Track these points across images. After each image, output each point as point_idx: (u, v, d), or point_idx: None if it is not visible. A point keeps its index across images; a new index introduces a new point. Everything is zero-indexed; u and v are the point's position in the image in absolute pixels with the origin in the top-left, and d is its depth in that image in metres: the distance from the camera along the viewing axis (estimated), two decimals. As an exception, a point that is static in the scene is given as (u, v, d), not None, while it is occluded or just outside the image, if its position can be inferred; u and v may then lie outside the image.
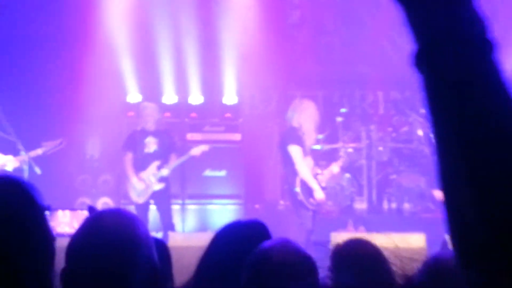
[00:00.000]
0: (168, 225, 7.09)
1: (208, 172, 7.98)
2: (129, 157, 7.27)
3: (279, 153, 6.94)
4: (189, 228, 7.89)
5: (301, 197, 6.56)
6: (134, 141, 7.28)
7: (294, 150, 6.51)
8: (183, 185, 7.95)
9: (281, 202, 8.14)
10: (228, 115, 8.55)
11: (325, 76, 9.76)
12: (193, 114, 8.55)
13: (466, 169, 0.75)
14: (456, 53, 0.77)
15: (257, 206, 7.60)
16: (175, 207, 7.86)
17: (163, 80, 8.75)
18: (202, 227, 7.83)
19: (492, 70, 0.77)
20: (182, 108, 8.64)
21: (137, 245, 1.58)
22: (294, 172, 6.56)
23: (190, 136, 8.21)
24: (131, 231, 1.59)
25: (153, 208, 7.32)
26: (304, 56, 9.64)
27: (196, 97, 8.75)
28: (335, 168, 6.98)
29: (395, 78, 9.33)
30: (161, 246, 2.63)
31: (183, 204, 7.99)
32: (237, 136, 8.24)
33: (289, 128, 6.73)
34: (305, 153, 6.64)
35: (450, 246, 2.91)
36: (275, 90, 9.34)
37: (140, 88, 8.65)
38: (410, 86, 8.94)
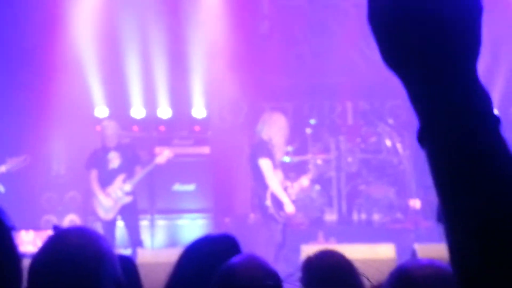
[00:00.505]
0: (136, 241, 7.01)
1: (177, 187, 7.91)
2: (94, 174, 7.22)
3: (248, 166, 6.95)
4: (159, 244, 7.80)
5: (271, 210, 6.58)
6: (97, 158, 7.24)
7: (264, 164, 6.55)
8: (151, 200, 7.87)
9: (251, 215, 8.11)
10: (197, 128, 8.51)
11: (295, 87, 9.78)
12: (162, 128, 8.49)
13: (477, 246, 0.72)
14: (463, 128, 0.74)
15: (227, 220, 7.55)
16: (144, 223, 7.77)
17: (131, 93, 8.67)
18: (172, 242, 7.75)
19: (500, 144, 0.74)
20: (150, 122, 8.57)
21: (101, 262, 1.57)
22: (264, 186, 6.59)
23: (159, 149, 8.12)
24: (94, 248, 1.58)
25: (120, 224, 7.23)
26: (273, 67, 9.65)
27: (164, 110, 8.69)
28: (304, 181, 7.01)
29: (364, 88, 9.41)
30: (128, 262, 2.58)
31: (152, 219, 7.90)
32: (206, 149, 8.20)
33: (258, 141, 6.76)
34: (275, 166, 6.67)
35: (418, 256, 2.94)
36: (244, 102, 9.32)
37: (108, 102, 8.56)
38: (379, 97, 9.02)
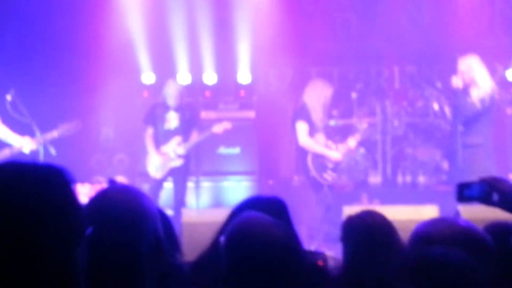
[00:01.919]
0: (180, 202, 7.13)
1: (222, 150, 8.01)
2: (150, 131, 7.29)
3: (292, 130, 7.10)
4: (203, 205, 7.94)
5: (313, 173, 6.75)
6: (155, 115, 7.29)
7: (299, 126, 6.85)
8: (197, 162, 7.99)
9: (295, 178, 8.16)
10: (242, 93, 8.55)
11: (341, 52, 9.70)
12: (207, 93, 8.56)
13: None
14: None
15: (271, 182, 7.63)
16: (190, 184, 7.92)
17: (177, 59, 8.76)
18: (216, 204, 7.88)
19: None
20: (196, 87, 8.65)
21: (142, 218, 1.64)
22: (304, 149, 6.82)
23: (205, 114, 8.23)
24: (136, 205, 1.66)
25: (168, 185, 7.36)
26: (319, 32, 9.59)
27: (210, 76, 8.75)
28: (352, 142, 7.18)
29: (411, 52, 9.26)
30: (165, 219, 2.66)
31: (197, 181, 8.03)
32: (251, 114, 8.25)
33: (299, 106, 7.03)
34: (312, 129, 6.90)
35: (462, 216, 2.91)
36: (289, 67, 9.30)
37: (154, 68, 8.67)
38: (426, 60, 8.87)
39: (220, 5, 8.94)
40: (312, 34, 9.60)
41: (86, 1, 8.40)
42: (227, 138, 7.97)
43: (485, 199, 2.38)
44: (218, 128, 7.41)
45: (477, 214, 4.10)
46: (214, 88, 8.66)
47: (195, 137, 7.35)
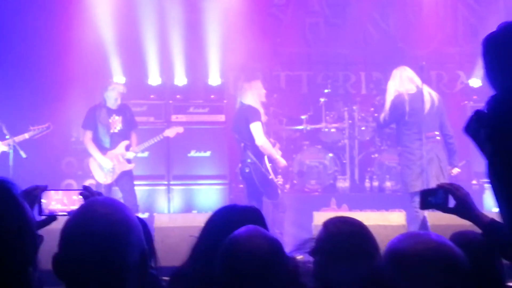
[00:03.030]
0: (134, 207, 7.00)
1: (193, 153, 8.06)
2: (89, 135, 7.12)
3: (237, 135, 6.88)
4: (175, 209, 7.98)
5: (272, 176, 6.67)
6: (94, 119, 7.12)
7: (257, 127, 6.61)
8: (168, 166, 8.04)
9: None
10: (212, 96, 8.62)
11: (309, 57, 9.84)
12: (178, 96, 8.60)
13: None
14: None
15: (241, 185, 7.70)
16: (161, 188, 7.95)
17: (148, 62, 8.78)
18: (188, 208, 7.92)
19: None
20: (166, 90, 8.69)
21: (130, 229, 1.66)
22: (260, 152, 6.65)
23: (175, 117, 8.28)
24: (123, 217, 1.67)
25: (115, 189, 7.26)
26: (288, 36, 9.70)
27: (180, 79, 8.80)
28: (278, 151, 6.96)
29: (377, 58, 9.45)
30: (143, 225, 2.71)
31: (168, 185, 8.07)
32: (221, 117, 8.31)
33: (245, 107, 6.77)
34: (264, 130, 6.75)
35: (429, 222, 3.00)
36: (259, 71, 9.39)
37: (125, 71, 8.68)
38: (392, 67, 9.06)
39: (191, 8, 8.99)
40: (281, 38, 9.72)
41: (57, 4, 8.36)
42: (198, 142, 8.03)
43: (443, 206, 2.49)
44: (170, 132, 7.39)
45: (444, 220, 4.24)
46: (185, 91, 8.70)
47: (134, 138, 7.26)
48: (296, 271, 2.37)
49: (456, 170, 6.73)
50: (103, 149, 7.12)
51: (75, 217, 1.70)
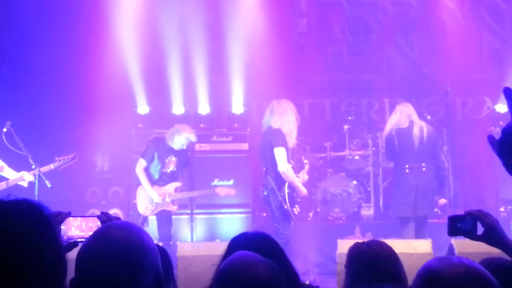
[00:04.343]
0: (166, 235, 7.03)
1: (216, 182, 8.06)
2: (143, 165, 7.11)
3: (261, 159, 6.61)
4: (198, 238, 7.96)
5: (287, 206, 6.37)
6: (153, 153, 7.12)
7: (281, 152, 6.32)
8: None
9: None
10: (235, 125, 8.64)
11: (333, 84, 9.84)
12: (202, 125, 8.64)
13: None
14: None
15: (264, 214, 7.66)
16: (184, 217, 7.93)
17: (172, 91, 8.86)
18: (211, 237, 7.89)
19: None
20: (190, 119, 8.72)
21: (143, 254, 1.67)
22: (281, 179, 6.37)
23: (199, 146, 8.30)
24: (138, 241, 1.69)
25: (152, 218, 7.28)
26: (311, 64, 9.73)
27: (204, 108, 8.85)
28: (304, 175, 6.71)
29: (401, 85, 9.41)
30: (163, 252, 2.72)
31: (191, 214, 8.06)
32: (244, 146, 8.32)
33: (270, 131, 6.48)
34: (289, 156, 6.42)
35: (456, 251, 2.95)
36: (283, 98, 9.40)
37: (149, 99, 8.77)
38: (416, 93, 9.01)
39: (215, 37, 9.09)
40: (304, 65, 9.75)
41: (82, 34, 8.51)
42: (221, 171, 8.03)
43: (471, 233, 2.44)
44: (222, 191, 7.32)
45: (471, 247, 4.16)
46: (208, 120, 8.75)
47: (195, 192, 7.35)
48: None
49: (442, 201, 7.05)
50: (151, 183, 7.12)
51: (90, 241, 1.72)
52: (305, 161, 7.02)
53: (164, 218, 7.15)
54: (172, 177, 7.20)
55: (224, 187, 7.45)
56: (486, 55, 9.78)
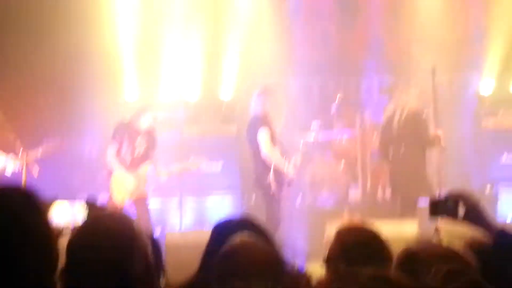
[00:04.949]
0: (148, 225, 6.83)
1: (204, 166, 8.06)
2: (113, 151, 7.01)
3: (247, 143, 6.78)
4: (187, 224, 7.97)
5: (274, 189, 6.49)
6: (122, 136, 7.04)
7: (264, 134, 6.49)
8: (179, 180, 8.03)
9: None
10: (223, 109, 8.62)
11: (320, 62, 9.80)
12: (190, 108, 8.62)
13: None
14: None
15: (254, 196, 7.67)
16: (172, 203, 7.93)
17: (160, 75, 8.81)
18: (200, 222, 7.91)
19: None
20: (179, 103, 8.70)
21: (135, 242, 1.71)
22: (265, 163, 6.50)
23: (187, 129, 8.30)
24: (128, 230, 1.72)
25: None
26: (299, 42, 9.68)
27: (192, 91, 8.81)
28: (297, 160, 6.85)
29: (389, 64, 9.40)
30: (152, 241, 2.74)
31: (180, 200, 8.06)
32: (233, 129, 8.31)
33: (255, 115, 6.68)
34: (273, 140, 6.58)
35: (442, 232, 2.93)
36: (270, 79, 9.37)
37: (138, 84, 8.71)
38: (404, 71, 9.02)
39: (206, 18, 8.99)
40: (292, 44, 9.70)
41: (72, 19, 8.41)
42: (209, 154, 8.03)
43: (453, 214, 2.48)
44: (193, 165, 7.32)
45: (456, 230, 4.20)
46: (197, 103, 8.72)
47: (173, 168, 7.25)
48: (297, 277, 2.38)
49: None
50: (124, 168, 7.03)
51: (81, 231, 1.74)
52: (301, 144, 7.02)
53: (142, 208, 7.03)
54: (143, 159, 7.12)
55: (195, 160, 7.37)
56: (472, 33, 9.78)
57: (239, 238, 2.08)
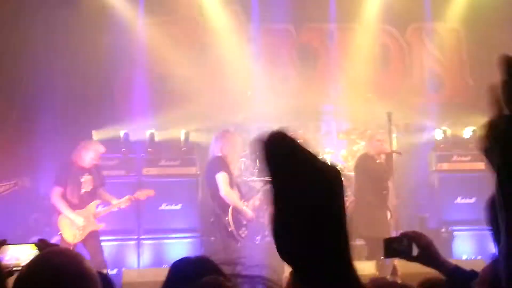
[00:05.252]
0: (101, 263, 6.69)
1: (164, 206, 8.00)
2: (59, 192, 6.90)
3: (206, 185, 6.97)
4: (145, 263, 7.85)
5: (232, 228, 6.62)
6: (66, 177, 6.93)
7: (222, 177, 6.67)
8: (138, 220, 7.94)
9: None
10: (184, 149, 8.62)
11: (280, 108, 9.91)
12: (149, 149, 8.59)
13: None
14: None
15: (212, 238, 7.63)
16: (131, 242, 7.81)
17: (120, 116, 8.79)
18: (159, 262, 7.79)
19: None
20: (138, 144, 8.66)
21: (84, 281, 1.66)
22: (224, 203, 6.66)
23: (146, 170, 8.24)
24: (77, 268, 1.67)
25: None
26: (260, 87, 9.79)
27: (152, 133, 8.79)
28: (257, 201, 7.01)
29: (347, 109, 9.57)
30: (104, 279, 2.69)
31: (138, 239, 7.96)
32: (193, 170, 8.30)
33: (214, 158, 6.85)
34: (232, 183, 6.78)
35: (399, 272, 3.01)
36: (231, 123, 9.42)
37: (97, 125, 8.65)
38: (361, 117, 9.19)
39: (162, 62, 9.07)
40: (253, 87, 9.80)
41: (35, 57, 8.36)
42: (169, 195, 7.98)
43: (407, 254, 2.51)
44: (141, 195, 7.22)
45: (412, 269, 4.26)
46: (156, 144, 8.69)
47: (104, 194, 7.11)
48: None
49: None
50: (72, 207, 6.90)
51: (28, 269, 1.70)
52: (258, 188, 7.12)
53: (94, 246, 6.90)
54: (91, 196, 7.01)
55: (142, 191, 7.29)
56: (427, 80, 10.08)
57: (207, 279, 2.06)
